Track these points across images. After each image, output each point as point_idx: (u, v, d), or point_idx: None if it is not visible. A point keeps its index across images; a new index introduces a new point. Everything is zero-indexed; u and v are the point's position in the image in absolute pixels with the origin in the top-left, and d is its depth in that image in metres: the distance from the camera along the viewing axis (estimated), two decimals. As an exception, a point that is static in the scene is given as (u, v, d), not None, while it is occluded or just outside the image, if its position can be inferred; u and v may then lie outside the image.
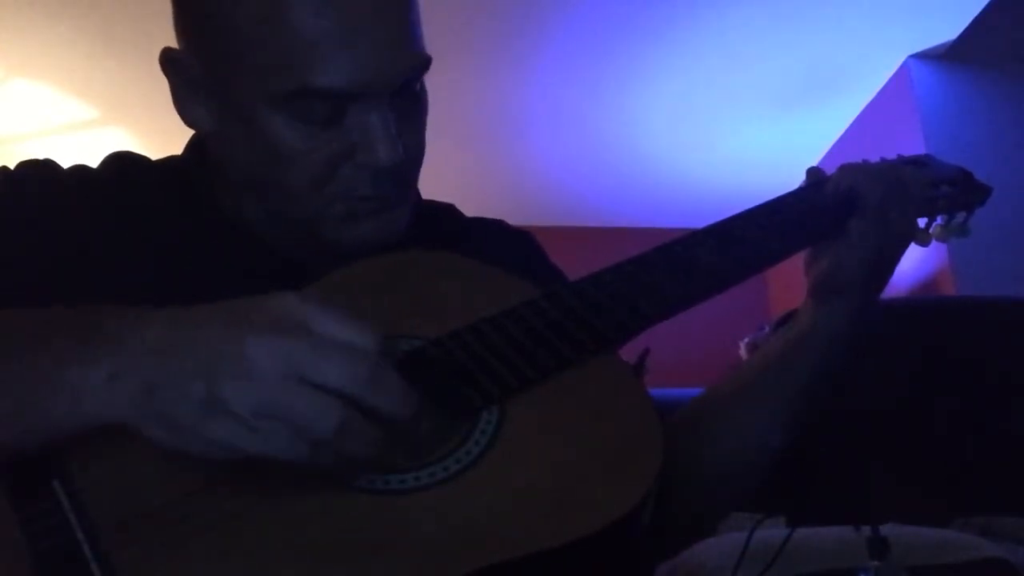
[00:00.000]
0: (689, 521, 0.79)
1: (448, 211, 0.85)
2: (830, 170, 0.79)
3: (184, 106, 0.69)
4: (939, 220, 0.86)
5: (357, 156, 0.65)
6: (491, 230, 0.86)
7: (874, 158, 0.82)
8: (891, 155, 0.86)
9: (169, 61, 0.68)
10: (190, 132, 0.77)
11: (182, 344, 0.48)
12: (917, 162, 0.85)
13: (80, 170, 0.73)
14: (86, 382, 0.48)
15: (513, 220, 0.88)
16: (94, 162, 0.75)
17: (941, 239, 0.86)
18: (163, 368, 0.47)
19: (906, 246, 0.76)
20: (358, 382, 0.47)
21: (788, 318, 1.80)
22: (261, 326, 0.48)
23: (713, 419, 0.78)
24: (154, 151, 0.79)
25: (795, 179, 0.82)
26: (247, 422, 0.46)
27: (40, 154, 0.74)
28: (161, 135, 3.53)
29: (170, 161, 0.77)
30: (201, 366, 0.47)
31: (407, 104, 0.67)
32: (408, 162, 0.67)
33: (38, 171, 0.71)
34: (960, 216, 0.87)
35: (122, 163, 0.75)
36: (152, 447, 0.48)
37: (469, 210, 0.86)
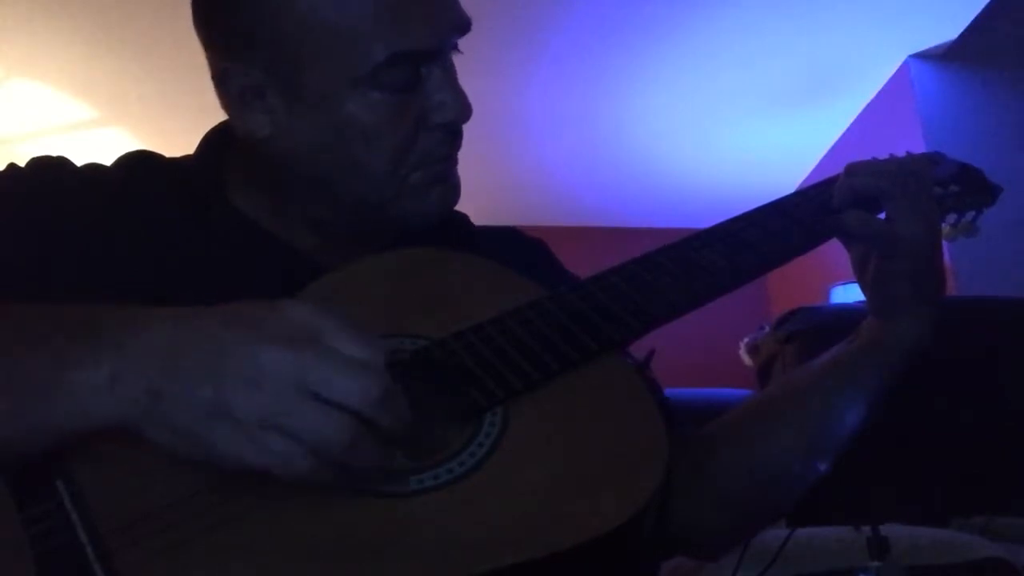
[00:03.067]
0: (724, 530, 0.77)
1: (460, 218, 0.85)
2: (830, 171, 0.78)
3: (238, 117, 0.68)
4: (949, 219, 0.85)
5: (431, 118, 0.67)
6: (503, 237, 0.86)
7: (875, 157, 0.82)
8: (893, 155, 0.86)
9: (220, 76, 0.67)
10: (191, 132, 0.77)
11: (189, 347, 0.47)
12: (927, 159, 0.84)
13: (93, 168, 0.73)
14: (87, 384, 0.47)
15: (514, 220, 0.88)
16: (94, 162, 0.75)
17: (950, 238, 0.84)
18: (169, 372, 0.47)
19: (938, 238, 0.73)
20: (370, 401, 0.47)
21: (788, 318, 1.79)
22: (273, 335, 0.47)
23: (759, 430, 0.74)
24: (154, 151, 0.79)
25: (795, 179, 0.82)
26: (251, 432, 0.45)
27: (40, 154, 0.74)
28: (161, 135, 3.53)
29: (184, 160, 0.76)
30: (209, 371, 0.46)
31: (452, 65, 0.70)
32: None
33: (50, 168, 0.71)
34: (969, 215, 0.85)
35: (135, 162, 0.75)
36: (155, 449, 0.47)
37: (469, 209, 0.86)
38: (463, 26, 0.68)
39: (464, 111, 0.68)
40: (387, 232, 0.73)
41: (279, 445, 0.45)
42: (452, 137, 0.70)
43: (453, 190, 0.72)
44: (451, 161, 0.71)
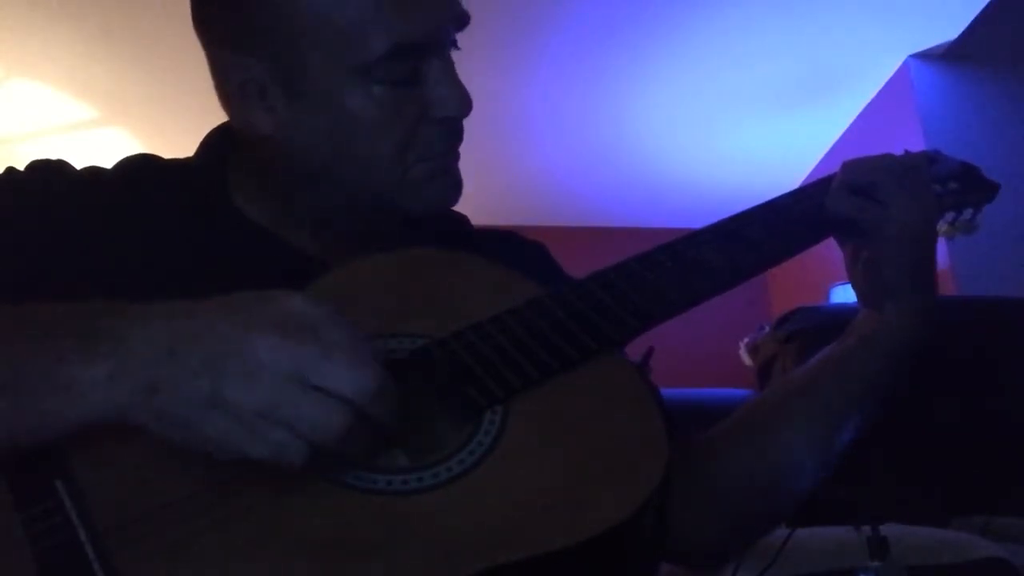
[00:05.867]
0: (722, 536, 0.75)
1: (460, 220, 0.85)
2: (830, 170, 0.78)
3: (239, 112, 0.68)
4: (947, 217, 0.85)
5: (432, 112, 0.67)
6: (503, 240, 0.86)
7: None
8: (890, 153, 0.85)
9: (220, 71, 0.68)
10: (191, 132, 0.77)
11: (186, 340, 0.48)
12: (925, 157, 0.84)
13: (92, 171, 0.73)
14: (85, 380, 0.48)
15: (514, 220, 0.88)
16: (94, 162, 0.75)
17: (949, 236, 0.84)
18: (167, 365, 0.47)
19: (934, 225, 0.73)
20: (366, 391, 0.47)
21: (788, 318, 1.79)
22: (268, 326, 0.48)
23: (759, 432, 0.74)
24: (154, 151, 0.79)
25: (795, 179, 0.82)
26: (248, 423, 0.46)
27: (39, 154, 0.74)
28: (161, 135, 3.53)
29: (185, 162, 0.76)
30: (206, 363, 0.47)
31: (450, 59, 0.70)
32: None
33: (49, 171, 0.71)
34: (967, 212, 0.85)
35: (136, 165, 0.75)
36: (153, 440, 0.48)
37: (470, 210, 0.86)
38: (462, 19, 0.69)
39: (464, 105, 0.68)
40: (389, 226, 0.73)
41: (276, 435, 0.46)
42: (453, 132, 0.70)
43: (455, 185, 0.72)
44: (452, 155, 0.71)
